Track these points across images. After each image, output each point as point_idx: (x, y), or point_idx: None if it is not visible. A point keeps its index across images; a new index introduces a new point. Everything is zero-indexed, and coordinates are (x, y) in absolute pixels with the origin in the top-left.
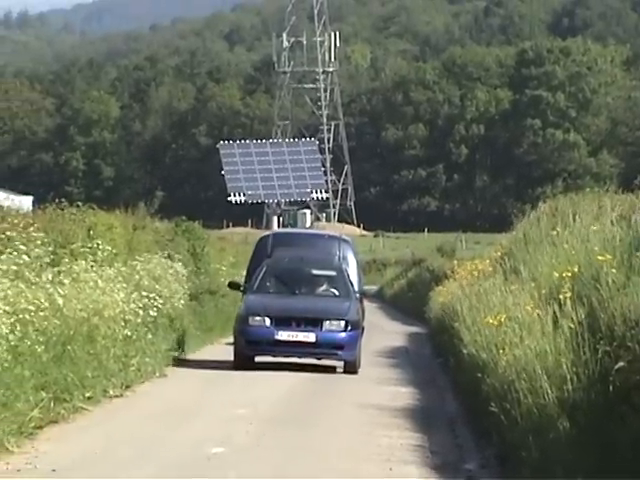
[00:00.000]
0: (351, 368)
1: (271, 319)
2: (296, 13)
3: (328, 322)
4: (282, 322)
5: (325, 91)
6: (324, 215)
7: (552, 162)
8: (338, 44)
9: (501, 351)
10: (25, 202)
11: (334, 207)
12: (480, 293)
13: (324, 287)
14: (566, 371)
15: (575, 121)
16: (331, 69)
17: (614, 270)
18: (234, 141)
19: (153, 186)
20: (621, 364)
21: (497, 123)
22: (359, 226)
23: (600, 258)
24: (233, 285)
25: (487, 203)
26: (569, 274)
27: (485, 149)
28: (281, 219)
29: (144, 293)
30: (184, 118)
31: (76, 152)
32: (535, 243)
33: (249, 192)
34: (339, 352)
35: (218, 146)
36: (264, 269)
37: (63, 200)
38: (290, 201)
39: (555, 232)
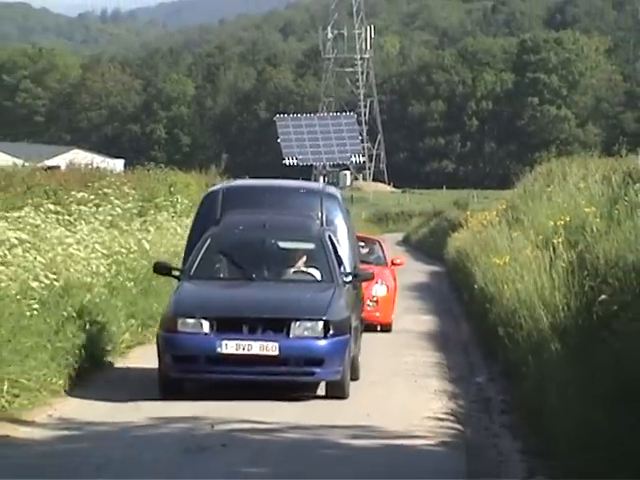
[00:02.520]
0: (336, 391)
1: (211, 322)
2: (338, 10)
3: (299, 324)
4: (228, 326)
5: (362, 74)
6: (361, 175)
7: (547, 132)
8: (373, 35)
9: (505, 286)
10: (118, 164)
11: (369, 169)
12: (488, 239)
13: (296, 268)
14: (558, 302)
15: (566, 98)
16: (367, 56)
17: (597, 220)
18: (288, 115)
19: (221, 151)
20: (603, 297)
21: (502, 100)
22: (389, 184)
23: (586, 210)
24: (160, 268)
25: (494, 165)
26: (561, 223)
27: (492, 121)
28: (326, 178)
29: None
30: (247, 96)
31: (159, 124)
32: (533, 198)
33: (300, 156)
34: (316, 369)
35: (275, 119)
36: (207, 243)
37: (149, 163)
38: (333, 164)
39: (549, 189)
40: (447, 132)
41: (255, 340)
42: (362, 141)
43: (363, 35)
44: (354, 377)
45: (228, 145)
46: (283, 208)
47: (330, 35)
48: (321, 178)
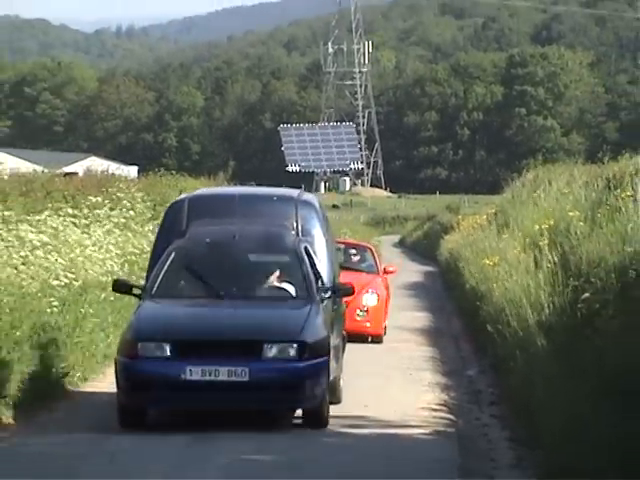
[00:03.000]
0: (314, 420)
1: (174, 346)
2: (338, 27)
3: (271, 347)
4: (193, 350)
5: (360, 86)
6: (360, 181)
7: (534, 141)
8: (370, 50)
9: (494, 285)
10: (132, 171)
11: (367, 175)
12: (478, 241)
13: (269, 284)
14: (544, 300)
15: (552, 109)
16: (365, 69)
17: (581, 223)
18: (291, 125)
19: (228, 159)
20: (586, 295)
21: (492, 111)
22: (386, 189)
23: (570, 214)
24: (120, 286)
25: (484, 172)
26: (547, 226)
27: (482, 131)
28: (327, 184)
29: None
30: (252, 107)
31: (170, 133)
32: (520, 203)
33: (302, 164)
34: (289, 397)
35: (279, 129)
36: (170, 258)
37: (160, 169)
38: (333, 171)
39: (536, 194)
40: (440, 141)
41: (223, 365)
42: (360, 149)
43: (361, 50)
44: (335, 401)
45: (235, 153)
46: (254, 217)
47: (330, 50)
48: (322, 184)
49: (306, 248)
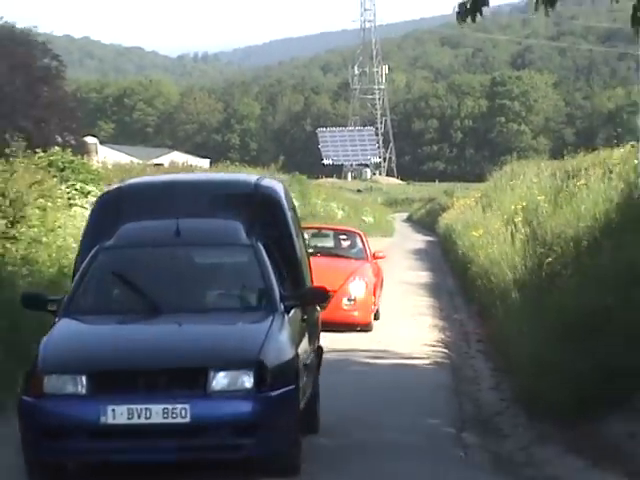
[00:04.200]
0: (280, 468)
1: (92, 379)
2: (362, 54)
3: (219, 376)
4: (117, 384)
5: (379, 100)
6: (378, 171)
7: (510, 142)
8: (386, 72)
9: (480, 251)
10: (205, 163)
11: (383, 167)
12: (468, 217)
13: (219, 291)
14: (517, 263)
15: (524, 118)
16: (382, 87)
17: (546, 205)
18: (326, 128)
19: (279, 155)
20: (549, 259)
21: (479, 119)
22: (398, 178)
23: (538, 198)
24: (28, 301)
25: (472, 166)
26: (520, 207)
27: (471, 134)
28: (352, 174)
29: None
30: (297, 115)
31: (234, 134)
32: (500, 189)
33: (334, 158)
34: (246, 441)
35: (317, 131)
36: (94, 263)
37: (227, 162)
38: (358, 164)
39: (512, 182)
40: (439, 141)
41: (156, 402)
42: (378, 147)
43: (379, 72)
44: (312, 431)
45: (283, 150)
46: (204, 209)
47: (356, 72)
48: (349, 174)
49: (267, 245)
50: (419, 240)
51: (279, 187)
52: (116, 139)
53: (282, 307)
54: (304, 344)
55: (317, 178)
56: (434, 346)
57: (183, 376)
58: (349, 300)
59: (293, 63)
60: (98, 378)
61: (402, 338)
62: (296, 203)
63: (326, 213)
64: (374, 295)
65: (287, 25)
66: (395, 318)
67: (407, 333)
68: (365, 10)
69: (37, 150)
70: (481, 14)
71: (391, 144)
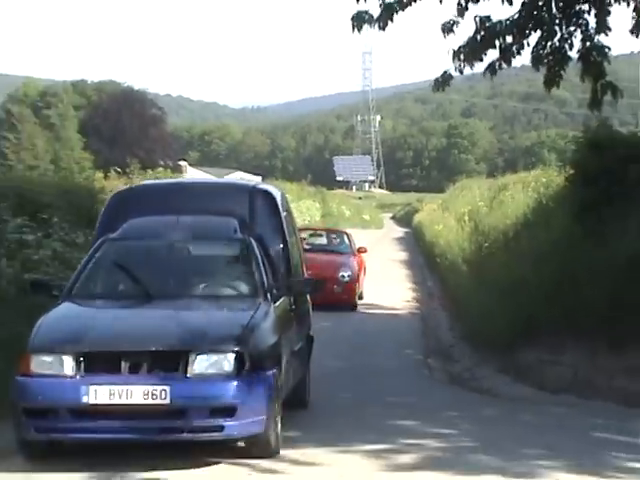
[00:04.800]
0: (258, 449)
1: (77, 360)
2: (363, 107)
3: (200, 358)
4: (101, 365)
5: (374, 138)
6: (373, 185)
7: (461, 167)
8: (379, 119)
9: (440, 239)
10: (259, 178)
11: (376, 182)
12: (432, 216)
13: (210, 281)
14: (465, 247)
15: (470, 151)
16: (376, 129)
17: (485, 208)
18: (338, 155)
19: (307, 174)
20: (486, 244)
21: (440, 151)
22: (386, 189)
23: (479, 203)
24: (37, 287)
25: (436, 183)
26: (467, 210)
27: (436, 162)
28: (356, 187)
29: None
30: (320, 147)
31: (277, 160)
32: (454, 198)
33: (344, 176)
34: (225, 422)
35: (333, 158)
36: (98, 253)
37: (273, 178)
38: (360, 180)
39: (462, 193)
40: (413, 166)
41: (137, 383)
42: (373, 169)
43: (374, 120)
44: (302, 406)
45: (311, 171)
46: (205, 207)
47: (359, 119)
48: (354, 187)
49: (260, 239)
50: (400, 231)
51: (275, 190)
52: (200, 163)
53: (269, 296)
54: (291, 331)
55: (332, 189)
56: (409, 302)
57: (165, 359)
58: (338, 286)
59: (317, 113)
60: (83, 359)
61: (388, 296)
62: (317, 206)
63: (339, 213)
64: (358, 281)
65: (313, 86)
66: (383, 283)
67: (391, 293)
68: (365, 78)
69: (147, 170)
70: (448, 86)
71: (382, 167)
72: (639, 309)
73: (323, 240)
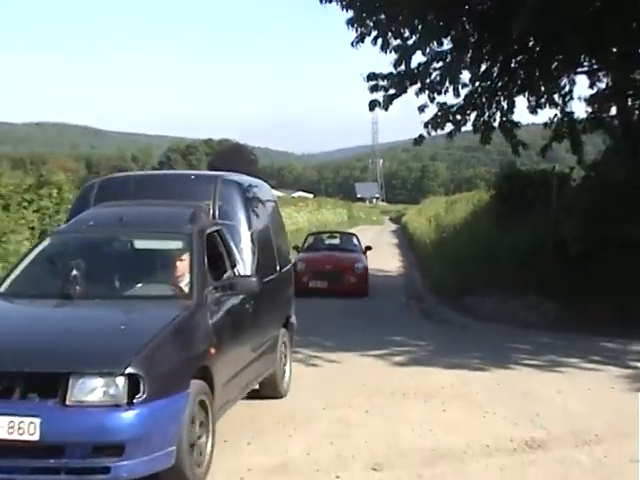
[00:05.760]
0: None
1: None
2: (373, 153)
3: (82, 382)
4: None
5: (379, 172)
6: (379, 200)
7: (429, 189)
8: (382, 161)
9: (417, 230)
10: (310, 195)
11: (381, 198)
12: (413, 218)
13: (142, 279)
14: (431, 235)
15: (435, 180)
16: (380, 167)
17: (443, 213)
18: (356, 183)
19: (340, 193)
20: (444, 234)
21: (417, 180)
22: (388, 203)
23: (440, 211)
24: None
25: (415, 198)
26: (433, 214)
27: (415, 186)
28: (368, 201)
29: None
30: (347, 178)
31: (322, 185)
32: (425, 207)
33: (362, 193)
34: (112, 463)
35: (355, 184)
36: (39, 248)
37: (316, 196)
38: (370, 197)
39: (430, 205)
40: (402, 189)
41: (4, 413)
42: (378, 190)
43: (379, 162)
44: (278, 395)
45: (342, 191)
46: (169, 199)
47: (370, 161)
48: (367, 201)
49: (220, 233)
50: (394, 227)
51: (244, 178)
52: (277, 187)
53: (203, 297)
54: (246, 331)
55: (354, 202)
56: (398, 268)
57: (41, 382)
58: (354, 277)
59: (345, 157)
60: None
61: (387, 265)
62: (345, 212)
63: (357, 216)
64: (367, 273)
65: (344, 139)
66: (382, 257)
67: (389, 263)
68: (373, 137)
69: None
70: (421, 143)
71: (383, 189)
72: (534, 272)
73: (337, 241)
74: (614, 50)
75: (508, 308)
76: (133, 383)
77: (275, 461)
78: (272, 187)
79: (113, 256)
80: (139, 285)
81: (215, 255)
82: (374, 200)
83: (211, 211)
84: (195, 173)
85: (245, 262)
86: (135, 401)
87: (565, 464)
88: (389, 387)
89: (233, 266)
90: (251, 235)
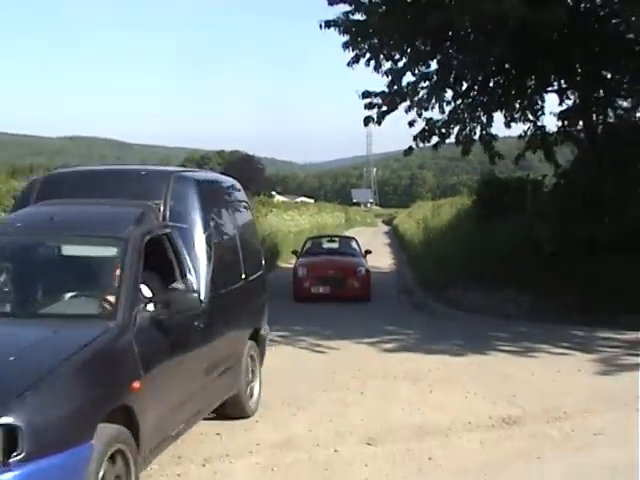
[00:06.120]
0: None
1: None
2: (367, 163)
3: None
4: None
5: (373, 179)
6: (373, 204)
7: (418, 195)
8: (375, 170)
9: (407, 232)
10: (311, 200)
11: (375, 203)
12: (403, 220)
13: (61, 293)
14: (421, 236)
15: (422, 187)
16: (374, 175)
17: (430, 216)
18: (353, 189)
19: (338, 198)
20: (431, 235)
21: (407, 187)
22: (381, 207)
23: (427, 214)
24: None
25: (405, 203)
26: (421, 217)
27: (405, 192)
28: (363, 205)
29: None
30: (344, 186)
31: (322, 192)
32: (415, 210)
33: (357, 198)
34: None
35: (351, 190)
36: None
37: (323, 201)
38: (365, 201)
39: (418, 208)
40: (394, 194)
41: None
42: (372, 195)
43: (373, 170)
44: (244, 415)
45: (340, 197)
46: (116, 197)
47: (365, 170)
48: (362, 205)
49: (169, 237)
50: (386, 228)
51: (202, 173)
52: (281, 192)
53: (136, 317)
54: (194, 355)
55: (351, 206)
56: (390, 265)
57: None
58: (357, 281)
59: (343, 166)
60: None
61: (381, 262)
62: (343, 215)
63: (354, 218)
64: (369, 276)
65: (342, 149)
66: (377, 255)
67: (383, 261)
68: (368, 146)
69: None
70: (411, 153)
71: (377, 194)
72: (512, 268)
73: (336, 244)
74: (580, 71)
75: (489, 300)
76: (10, 437)
77: (281, 437)
78: (278, 193)
79: (36, 264)
80: (60, 301)
81: (162, 263)
82: (368, 204)
83: (161, 212)
84: (147, 168)
85: (198, 270)
86: (12, 461)
87: (538, 438)
88: (382, 371)
89: (183, 275)
90: (207, 239)
